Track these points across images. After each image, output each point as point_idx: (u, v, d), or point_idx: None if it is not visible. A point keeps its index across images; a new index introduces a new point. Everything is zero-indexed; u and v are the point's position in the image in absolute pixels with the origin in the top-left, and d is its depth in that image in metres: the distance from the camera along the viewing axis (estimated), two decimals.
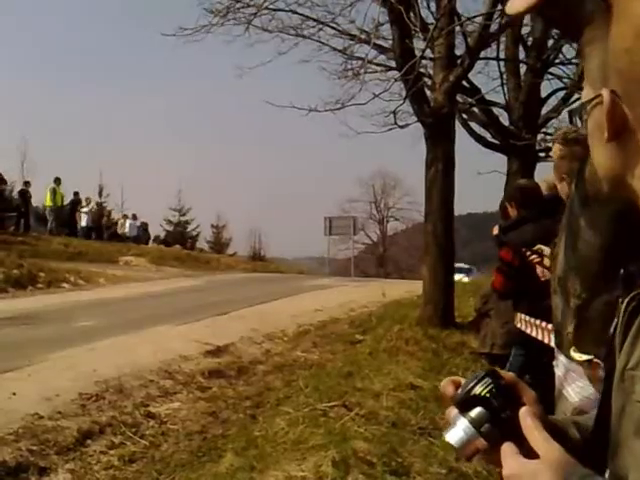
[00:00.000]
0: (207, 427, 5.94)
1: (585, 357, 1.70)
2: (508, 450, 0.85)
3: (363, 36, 10.93)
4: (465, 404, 0.91)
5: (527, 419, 0.87)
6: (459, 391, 0.93)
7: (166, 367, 7.61)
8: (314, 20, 11.02)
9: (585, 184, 2.28)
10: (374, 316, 11.00)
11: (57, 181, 23.30)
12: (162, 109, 70.17)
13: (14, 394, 6.11)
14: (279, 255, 37.86)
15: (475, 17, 9.43)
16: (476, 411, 0.90)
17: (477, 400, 0.90)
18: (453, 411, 0.93)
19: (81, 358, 7.77)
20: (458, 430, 0.91)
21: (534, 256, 3.66)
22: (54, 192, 22.95)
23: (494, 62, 13.38)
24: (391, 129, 11.26)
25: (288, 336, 10.23)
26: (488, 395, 0.90)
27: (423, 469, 4.32)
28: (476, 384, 0.91)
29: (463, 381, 0.96)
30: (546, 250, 3.54)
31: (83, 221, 24.37)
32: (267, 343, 9.65)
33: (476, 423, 0.89)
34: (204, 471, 4.75)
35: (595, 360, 1.68)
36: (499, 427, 0.89)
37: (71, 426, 5.50)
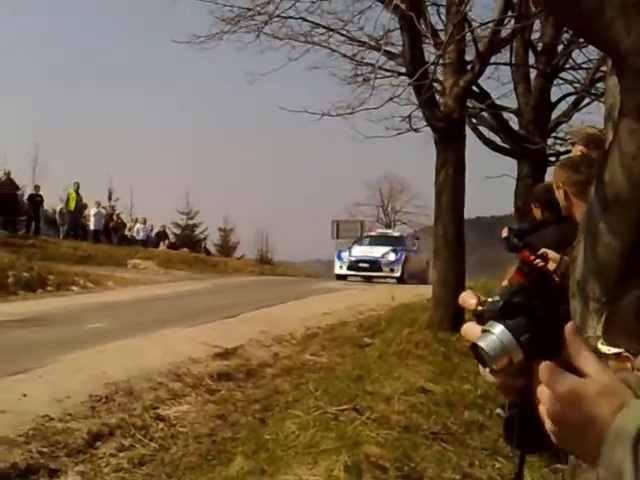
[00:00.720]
0: (216, 430, 5.93)
1: (614, 350, 1.67)
2: (554, 368, 0.78)
3: (372, 43, 10.95)
4: (504, 312, 0.82)
5: (575, 336, 0.80)
6: (495, 298, 0.84)
7: (175, 370, 7.60)
8: (324, 27, 11.08)
9: (605, 187, 2.25)
10: (383, 319, 10.97)
11: (75, 185, 23.73)
12: (171, 111, 70.47)
13: (25, 396, 6.11)
14: (286, 258, 37.85)
15: (487, 23, 9.41)
16: (517, 319, 0.81)
17: (519, 309, 0.82)
18: (473, 326, 0.84)
19: (91, 360, 7.77)
20: (492, 337, 0.80)
21: (538, 260, 3.61)
22: (68, 197, 23.35)
23: (504, 67, 13.37)
24: (400, 133, 11.25)
25: (296, 339, 10.21)
26: (535, 303, 0.82)
27: (436, 474, 4.30)
28: (519, 292, 0.83)
29: (482, 299, 0.86)
30: (551, 254, 3.51)
31: (92, 224, 24.50)
32: (276, 346, 9.63)
33: (515, 332, 0.80)
34: (214, 474, 4.74)
35: (625, 354, 1.65)
36: (540, 340, 0.80)
37: (81, 428, 5.50)
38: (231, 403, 6.76)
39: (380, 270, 22.76)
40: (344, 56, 11.85)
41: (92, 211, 24.51)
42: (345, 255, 23.72)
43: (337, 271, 23.82)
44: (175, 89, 70.48)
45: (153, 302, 13.74)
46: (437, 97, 9.97)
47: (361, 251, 23.70)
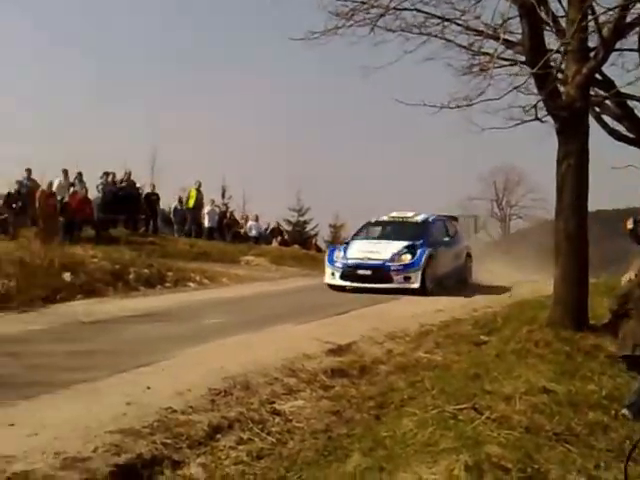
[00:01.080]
0: (331, 426, 5.92)
1: None
2: None
3: (490, 31, 10.60)
4: None
5: None
6: None
7: (289, 365, 7.67)
8: (438, 17, 10.84)
9: None
10: (499, 317, 10.63)
11: (197, 184, 24.72)
12: (280, 108, 71.82)
13: (149, 388, 6.35)
14: None
15: (613, 9, 8.89)
16: None
17: None
18: None
19: (209, 355, 8.00)
20: None
21: None
22: (188, 195, 24.40)
23: (629, 53, 12.60)
24: (522, 123, 10.81)
25: (410, 336, 10.08)
26: None
27: (561, 477, 4.14)
28: None
29: None
30: None
31: (206, 222, 25.27)
32: (389, 343, 9.54)
33: None
34: (331, 470, 4.72)
35: None
36: None
37: (202, 420, 5.62)
38: (345, 399, 6.75)
39: (389, 280, 14.78)
40: (460, 46, 11.56)
41: (206, 209, 25.29)
42: (339, 256, 15.55)
43: (328, 280, 15.59)
44: (290, 86, 71.22)
45: (266, 298, 14.04)
46: (558, 86, 9.55)
47: (361, 250, 15.46)
